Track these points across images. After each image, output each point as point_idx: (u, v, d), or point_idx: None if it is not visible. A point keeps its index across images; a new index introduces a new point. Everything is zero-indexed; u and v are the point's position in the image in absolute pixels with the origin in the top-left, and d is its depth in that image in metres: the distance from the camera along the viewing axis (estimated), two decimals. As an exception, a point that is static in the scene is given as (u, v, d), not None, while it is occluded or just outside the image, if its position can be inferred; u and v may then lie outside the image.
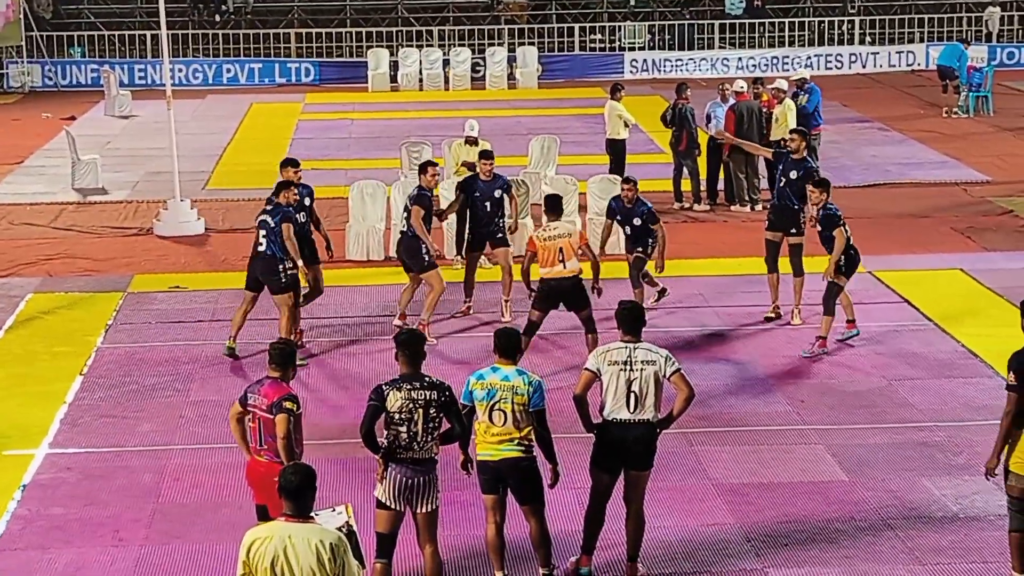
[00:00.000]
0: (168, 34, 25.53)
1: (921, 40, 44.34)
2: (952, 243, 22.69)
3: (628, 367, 11.64)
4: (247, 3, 45.07)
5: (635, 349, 11.72)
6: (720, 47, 43.93)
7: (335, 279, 19.73)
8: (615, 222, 18.73)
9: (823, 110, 26.98)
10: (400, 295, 18.37)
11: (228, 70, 41.87)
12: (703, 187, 25.41)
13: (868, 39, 44.78)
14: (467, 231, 19.17)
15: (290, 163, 18.23)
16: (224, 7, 44.60)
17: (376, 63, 40.86)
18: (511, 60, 41.44)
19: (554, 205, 17.06)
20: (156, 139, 30.01)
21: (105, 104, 36.70)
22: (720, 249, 22.20)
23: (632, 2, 45.99)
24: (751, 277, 19.86)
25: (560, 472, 11.69)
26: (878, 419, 15.45)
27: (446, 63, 40.98)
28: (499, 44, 42.79)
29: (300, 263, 17.16)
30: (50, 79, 41.13)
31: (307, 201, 17.97)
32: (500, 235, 18.83)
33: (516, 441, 11.43)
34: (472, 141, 21.94)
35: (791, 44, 44.20)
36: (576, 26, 44.44)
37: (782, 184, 18.78)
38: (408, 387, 11.01)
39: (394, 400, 10.99)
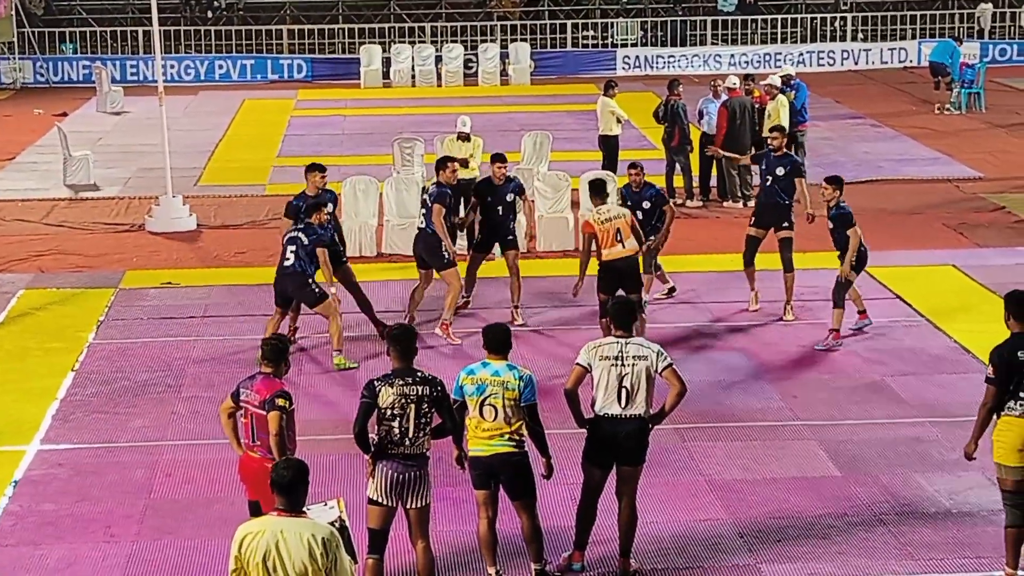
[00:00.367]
0: (160, 30, 25.51)
1: (913, 37, 44.35)
2: (944, 239, 22.70)
3: (620, 362, 11.63)
4: (239, -1, 45.03)
5: (627, 344, 11.71)
6: (712, 43, 43.92)
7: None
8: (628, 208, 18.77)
9: (810, 106, 26.96)
10: (411, 295, 18.20)
11: (220, 66, 41.81)
12: (696, 183, 25.40)
13: (860, 36, 44.77)
14: (477, 232, 18.98)
15: (316, 168, 17.91)
16: (216, 3, 44.54)
17: (368, 59, 40.82)
18: (503, 56, 41.42)
19: (599, 189, 17.38)
20: (148, 135, 29.97)
21: (97, 100, 36.64)
22: (713, 245, 22.19)
23: (624, -1, 45.99)
24: (743, 274, 19.79)
25: (553, 465, 11.69)
26: (871, 415, 15.45)
27: (438, 59, 40.95)
28: (491, 40, 42.75)
29: (334, 290, 17.01)
30: (42, 75, 41.06)
31: (330, 207, 17.70)
32: (510, 237, 18.65)
33: (507, 436, 11.41)
34: (464, 137, 21.91)
35: (783, 41, 44.22)
36: (568, 22, 44.41)
37: (769, 182, 18.95)
38: (400, 382, 11.00)
39: (386, 396, 10.98)
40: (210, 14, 44.30)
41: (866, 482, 13.74)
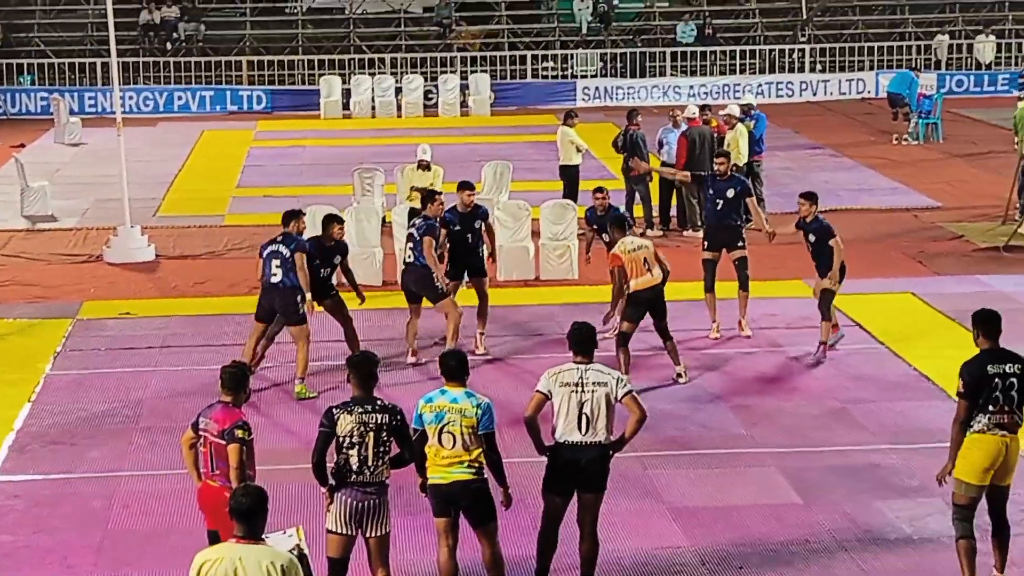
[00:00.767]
0: (119, 62, 25.46)
1: (871, 68, 44.59)
2: (903, 267, 22.80)
3: (579, 389, 11.60)
4: (198, 31, 44.89)
5: (587, 370, 11.68)
6: (672, 75, 44.05)
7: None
8: (593, 231, 19.16)
9: (769, 136, 27.07)
10: (406, 331, 18.03)
11: (179, 98, 41.71)
12: (655, 213, 25.43)
13: (819, 67, 44.99)
14: (446, 262, 18.90)
15: (335, 219, 17.63)
16: (175, 35, 44.44)
17: (328, 91, 40.78)
18: (463, 88, 41.44)
19: (620, 223, 17.73)
20: (106, 166, 29.81)
21: (55, 132, 36.50)
22: (673, 274, 22.02)
23: (584, 30, 46.07)
24: (702, 302, 19.80)
25: (511, 496, 11.64)
26: (832, 441, 15.46)
27: (398, 91, 40.93)
28: (451, 71, 42.76)
29: (309, 296, 16.85)
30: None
31: (337, 259, 17.55)
32: (479, 264, 18.60)
33: (466, 464, 11.35)
34: (424, 165, 21.89)
35: (742, 72, 44.39)
36: (528, 54, 44.49)
37: (720, 206, 19.33)
38: (360, 410, 10.95)
39: (345, 423, 10.93)
40: (169, 46, 44.19)
41: (827, 509, 13.73)
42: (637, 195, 25.24)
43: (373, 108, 40.70)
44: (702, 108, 26.52)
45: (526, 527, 12.98)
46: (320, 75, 42.34)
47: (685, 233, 25.07)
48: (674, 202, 25.51)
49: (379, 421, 10.93)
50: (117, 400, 16.91)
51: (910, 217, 26.63)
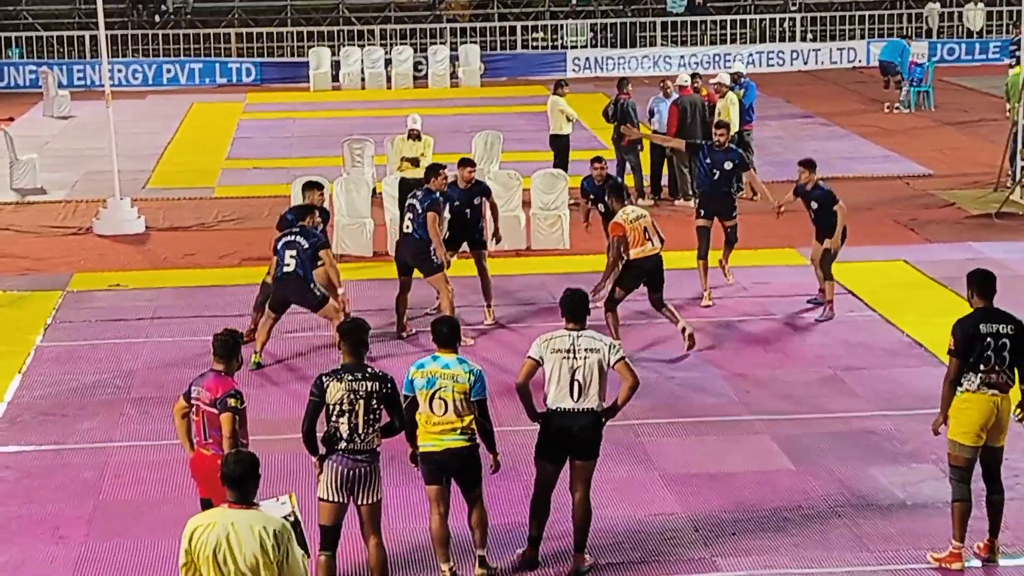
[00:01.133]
0: (107, 35, 25.35)
1: (862, 37, 44.53)
2: (895, 235, 22.77)
3: (571, 355, 11.55)
4: (187, 3, 44.74)
5: (579, 337, 11.64)
6: (662, 45, 43.94)
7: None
8: (589, 201, 19.17)
9: (760, 106, 27.02)
10: (396, 305, 17.87)
11: (168, 70, 41.56)
12: (646, 182, 25.38)
13: (810, 36, 44.92)
14: (445, 232, 18.84)
15: (315, 186, 17.62)
16: (164, 7, 44.28)
17: (317, 62, 40.65)
18: (453, 59, 41.32)
19: (619, 192, 17.76)
20: (95, 139, 29.72)
21: (44, 105, 36.36)
22: (664, 243, 22.06)
23: (574, 1, 45.95)
24: (695, 270, 19.76)
25: (500, 462, 11.64)
26: (825, 408, 15.44)
27: (388, 62, 40.80)
28: (441, 43, 42.64)
29: (342, 291, 16.82)
30: (-12, 80, 40.78)
31: (322, 225, 17.50)
32: (477, 237, 18.46)
33: (459, 431, 11.33)
34: (415, 135, 21.77)
35: (733, 41, 44.31)
36: (518, 24, 44.37)
37: (717, 176, 19.48)
38: (350, 378, 10.90)
39: (335, 391, 10.88)
40: (158, 18, 44.04)
41: (820, 475, 13.71)
42: (628, 165, 25.18)
43: (363, 80, 40.57)
44: (693, 76, 26.43)
45: (518, 495, 12.94)
46: (309, 47, 42.22)
47: (676, 202, 25.01)
48: (665, 171, 25.44)
49: (369, 389, 10.88)
50: (108, 371, 16.86)
51: (902, 185, 26.60)
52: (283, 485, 12.89)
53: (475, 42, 42.90)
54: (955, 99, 36.19)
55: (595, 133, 30.02)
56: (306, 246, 16.40)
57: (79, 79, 40.47)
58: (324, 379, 10.99)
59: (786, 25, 45.22)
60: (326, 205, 17.90)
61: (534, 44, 44.43)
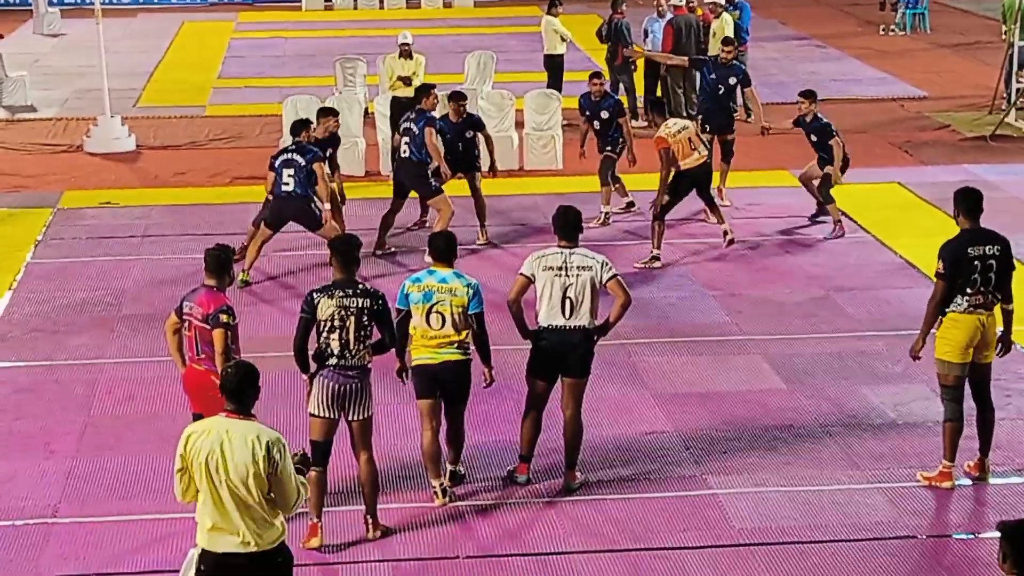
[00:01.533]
0: (97, -51, 25.03)
1: (858, -41, 44.12)
2: (890, 157, 22.70)
3: (563, 273, 11.51)
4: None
5: (571, 254, 11.59)
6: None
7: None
8: (586, 118, 19.17)
9: (755, 28, 26.85)
10: (383, 221, 17.78)
11: (159, -11, 41.19)
12: (640, 103, 25.25)
13: (805, -42, 44.51)
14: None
15: (330, 112, 17.63)
16: (154, -75, 43.79)
17: (310, -19, 40.26)
18: (447, -21, 40.93)
19: (659, 107, 18.25)
20: (86, 57, 29.49)
21: (34, 22, 36.04)
22: (656, 164, 21.93)
23: (568, -79, 45.53)
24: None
25: (494, 377, 11.68)
26: (816, 329, 15.43)
27: (381, -18, 40.43)
28: (434, -38, 42.20)
29: (327, 207, 16.72)
30: (-23, -2, 40.38)
31: (328, 151, 17.41)
32: (471, 160, 18.26)
33: (456, 344, 11.37)
34: (406, 53, 21.59)
35: (728, -37, 43.84)
36: (512, -55, 43.90)
37: (721, 91, 19.72)
38: (340, 294, 10.86)
39: (325, 307, 10.84)
40: (148, -64, 43.57)
41: (812, 395, 13.72)
42: (621, 85, 25.03)
43: (355, 0, 40.23)
44: (687, -4, 26.21)
45: (510, 414, 12.95)
46: (301, -34, 41.75)
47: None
48: (659, 92, 25.30)
49: (360, 305, 10.84)
50: (99, 288, 16.81)
51: (897, 107, 26.49)
52: (273, 403, 12.92)
53: (468, -38, 42.45)
54: (951, 21, 35.99)
55: (589, 54, 29.84)
56: (303, 163, 16.33)
57: (69, -3, 40.07)
58: (315, 295, 10.95)
59: (782, -53, 44.77)
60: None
61: (528, -36, 43.96)
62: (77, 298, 16.49)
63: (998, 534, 7.56)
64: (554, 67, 25.22)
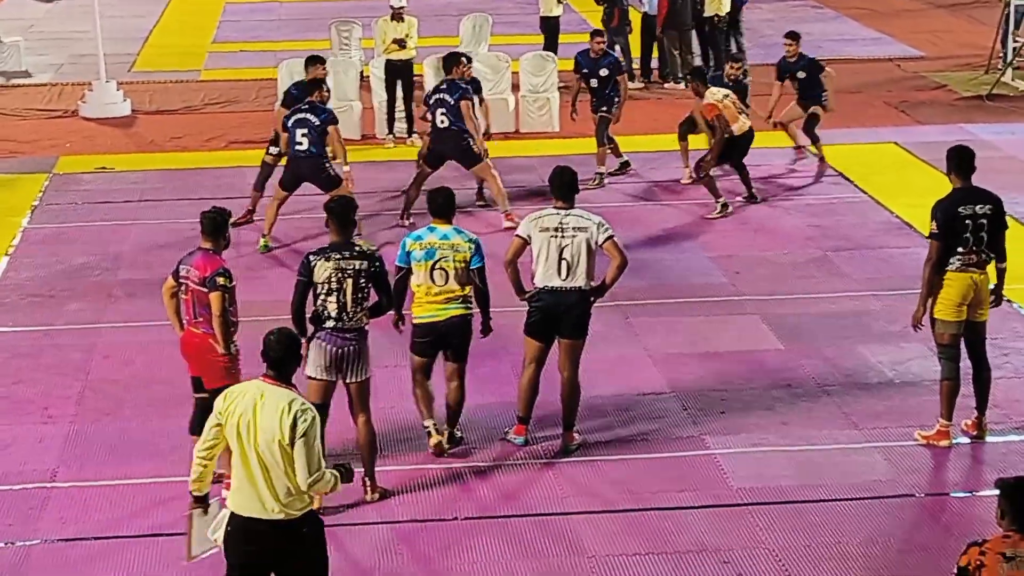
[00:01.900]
0: (91, -87, 24.92)
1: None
2: (886, 117, 22.67)
3: (560, 234, 11.50)
4: None
5: (567, 215, 11.58)
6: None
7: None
8: (582, 76, 19.13)
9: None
10: (407, 194, 17.64)
11: (153, -47, 40.96)
12: (636, 64, 25.20)
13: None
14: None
15: (318, 60, 17.52)
16: None
17: (304, -55, 40.05)
18: (441, -59, 40.75)
19: (700, 74, 18.39)
20: (80, 22, 29.40)
21: (28, -13, 35.92)
22: (653, 126, 22.02)
23: None
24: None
25: (492, 327, 11.80)
26: (814, 289, 15.43)
27: (375, -56, 40.23)
28: (429, -75, 42.03)
29: (347, 168, 16.65)
30: (-30, -36, 40.21)
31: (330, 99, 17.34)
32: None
33: (460, 300, 11.51)
34: (398, 16, 21.49)
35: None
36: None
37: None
38: (337, 256, 10.86)
39: (323, 270, 10.84)
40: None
41: (810, 354, 13.73)
42: (617, 47, 24.94)
43: (350, -38, 40.04)
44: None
45: (507, 376, 12.97)
46: (296, -71, 41.58)
47: (666, 85, 24.87)
48: (655, 54, 25.27)
49: (357, 267, 10.84)
50: (96, 253, 16.80)
51: (893, 67, 26.44)
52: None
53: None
54: (948, -19, 35.89)
55: (584, 16, 29.75)
56: (316, 123, 16.27)
57: (63, -38, 39.90)
58: (311, 258, 10.95)
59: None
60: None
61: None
62: (74, 263, 16.48)
63: (996, 492, 7.59)
64: (550, 29, 25.15)
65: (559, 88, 22.51)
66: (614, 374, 13.29)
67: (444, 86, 17.42)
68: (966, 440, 11.96)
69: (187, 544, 8.93)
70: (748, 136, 17.73)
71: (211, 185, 19.25)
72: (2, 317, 14.94)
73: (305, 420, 8.35)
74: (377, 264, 10.97)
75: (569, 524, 10.76)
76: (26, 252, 16.85)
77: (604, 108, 18.92)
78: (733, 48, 24.76)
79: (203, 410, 11.10)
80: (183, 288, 11.08)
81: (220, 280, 10.85)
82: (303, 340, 10.92)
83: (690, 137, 18.95)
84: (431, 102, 17.41)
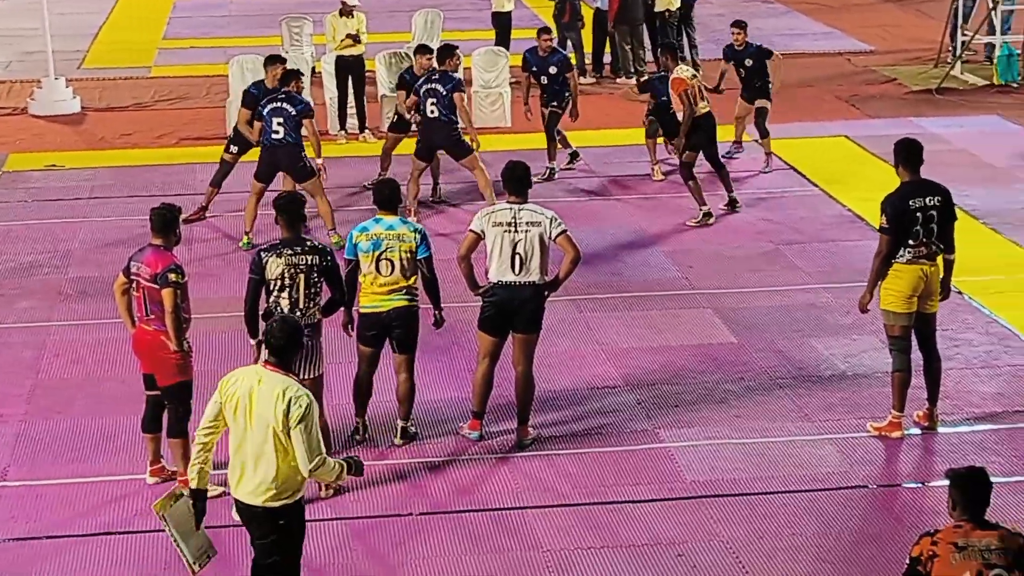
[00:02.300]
0: (38, -92, 24.75)
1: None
2: (836, 111, 22.77)
3: (513, 228, 11.50)
4: None
5: (520, 210, 11.57)
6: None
7: (214, 155, 19.15)
8: (531, 74, 19.12)
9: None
10: (408, 187, 17.37)
11: (102, -51, 40.74)
12: (588, 60, 25.22)
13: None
14: (393, 113, 18.75)
15: (277, 60, 17.28)
16: None
17: (254, -59, 39.89)
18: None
19: (672, 49, 18.12)
20: (29, 19, 29.10)
21: (-26, -15, 35.65)
22: (606, 121, 22.05)
23: None
24: (638, 147, 19.73)
25: (443, 318, 11.81)
26: (766, 282, 15.48)
27: (326, -60, 40.12)
28: (380, -79, 41.95)
29: (320, 160, 16.63)
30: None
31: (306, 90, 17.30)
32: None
33: (404, 290, 11.51)
34: (347, 12, 21.42)
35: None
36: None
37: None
38: (289, 252, 10.84)
39: (274, 266, 10.82)
40: None
41: (762, 347, 13.76)
42: (569, 42, 24.97)
43: (300, -42, 39.90)
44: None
45: (461, 370, 12.97)
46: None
47: (618, 80, 24.89)
48: (607, 49, 25.30)
49: (309, 262, 10.83)
50: (45, 251, 16.69)
51: (843, 61, 26.55)
52: (221, 364, 12.87)
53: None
54: (897, -24, 36.04)
55: (536, 11, 29.76)
56: (293, 113, 16.21)
57: (11, -42, 39.64)
58: (263, 255, 10.92)
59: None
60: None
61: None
62: (23, 261, 16.36)
63: (947, 482, 7.63)
64: (502, 24, 25.14)
65: (511, 84, 22.51)
66: (568, 368, 13.30)
67: (436, 76, 17.40)
68: (918, 431, 12.03)
69: (183, 556, 8.91)
70: (710, 120, 17.41)
71: (161, 182, 19.16)
72: (-49, 316, 14.85)
73: (299, 406, 8.41)
74: (329, 259, 10.96)
75: (523, 518, 10.76)
76: (-26, 250, 16.75)
77: (554, 103, 18.93)
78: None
79: (155, 407, 11.08)
80: (134, 285, 11.01)
81: (172, 276, 10.79)
82: (252, 341, 10.93)
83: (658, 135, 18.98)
84: (421, 92, 17.40)
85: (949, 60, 25.10)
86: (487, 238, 11.57)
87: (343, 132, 21.42)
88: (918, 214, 11.57)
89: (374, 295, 11.46)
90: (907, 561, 7.54)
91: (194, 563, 8.89)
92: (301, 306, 10.83)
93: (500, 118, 22.08)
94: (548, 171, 19.00)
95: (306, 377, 10.86)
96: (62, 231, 17.35)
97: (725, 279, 15.59)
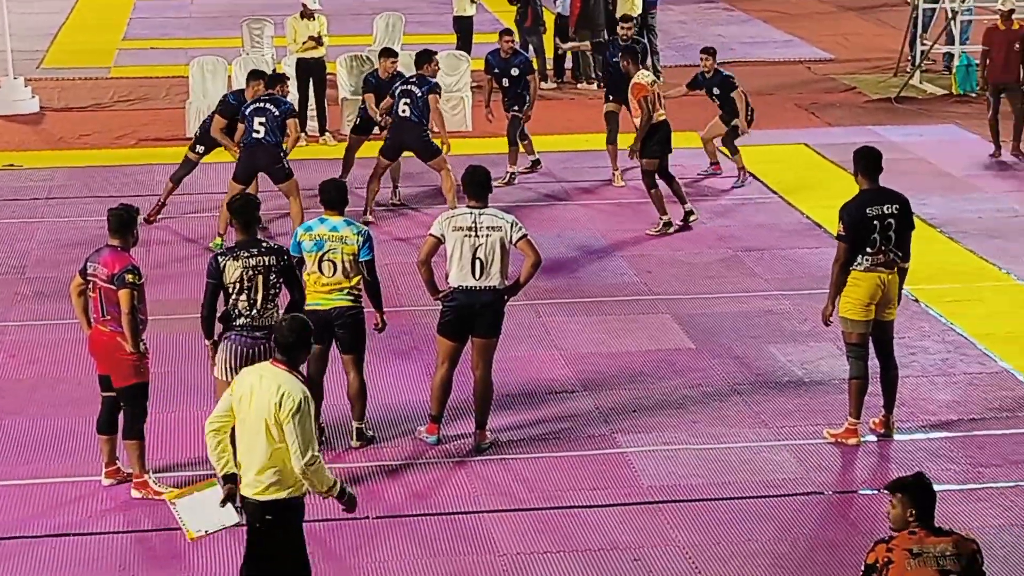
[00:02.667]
0: (-3, -94, 24.62)
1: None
2: (796, 119, 22.84)
3: (473, 233, 11.50)
4: None
5: (480, 215, 11.57)
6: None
7: (173, 156, 19.08)
8: (493, 75, 19.09)
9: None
10: (369, 185, 17.52)
11: (62, -51, 40.56)
12: (549, 65, 25.25)
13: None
14: (356, 116, 18.79)
15: (259, 75, 17.09)
16: None
17: (216, -58, 39.78)
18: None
19: (633, 54, 17.83)
20: (-13, 18, 29.03)
21: (-68, -17, 35.40)
22: (567, 126, 22.10)
23: None
24: (598, 153, 19.77)
25: (386, 320, 11.85)
26: (724, 289, 15.51)
27: (288, -57, 40.05)
28: (342, -76, 41.90)
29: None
30: None
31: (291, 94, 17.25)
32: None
33: (346, 291, 11.54)
34: (308, 14, 21.38)
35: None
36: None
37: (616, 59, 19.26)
38: (246, 255, 10.81)
39: (232, 270, 10.79)
40: None
41: (720, 353, 13.79)
42: (531, 47, 24.99)
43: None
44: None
45: (419, 374, 12.96)
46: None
47: (579, 85, 24.93)
48: (569, 54, 25.32)
49: (267, 263, 10.81)
50: (2, 251, 16.60)
51: (803, 69, 26.66)
52: (180, 364, 12.83)
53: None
54: (857, -15, 36.21)
55: (498, 16, 29.76)
56: (276, 113, 16.16)
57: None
58: (219, 259, 10.88)
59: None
60: (222, 85, 17.61)
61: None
62: (-20, 261, 16.30)
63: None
64: (463, 29, 25.13)
65: (472, 88, 22.51)
66: (526, 372, 13.30)
67: (414, 79, 17.43)
68: (874, 438, 12.08)
69: (181, 522, 9.05)
70: (665, 128, 17.26)
71: (119, 183, 19.09)
72: (-94, 315, 14.74)
73: (292, 400, 8.46)
74: (285, 258, 10.97)
75: (480, 523, 10.76)
76: (-69, 250, 16.64)
77: (516, 107, 18.94)
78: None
79: (111, 409, 11.02)
80: (91, 286, 10.95)
81: (129, 277, 10.74)
82: (208, 343, 10.90)
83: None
84: (396, 92, 17.42)
85: (908, 69, 25.25)
86: (447, 242, 11.56)
87: (303, 134, 21.34)
88: (876, 222, 11.62)
89: (316, 294, 11.51)
90: (862, 568, 7.58)
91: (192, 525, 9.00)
92: (259, 308, 10.79)
93: (461, 122, 22.07)
94: (509, 176, 19.01)
95: (264, 380, 10.82)
96: (19, 231, 17.26)
97: (684, 285, 15.63)
